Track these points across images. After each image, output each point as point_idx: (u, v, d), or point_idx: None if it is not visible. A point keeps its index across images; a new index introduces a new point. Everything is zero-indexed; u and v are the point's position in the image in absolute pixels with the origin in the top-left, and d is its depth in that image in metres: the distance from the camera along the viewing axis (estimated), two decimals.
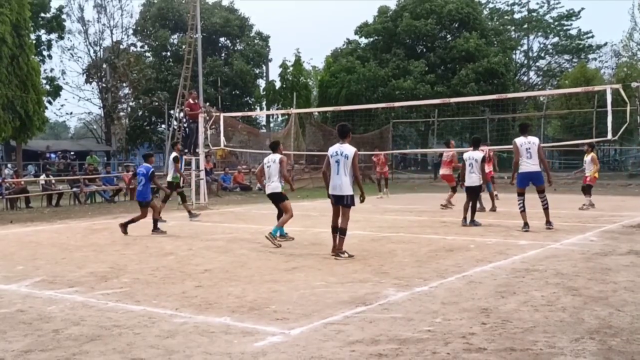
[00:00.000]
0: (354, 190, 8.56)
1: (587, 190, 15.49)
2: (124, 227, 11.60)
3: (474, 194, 12.30)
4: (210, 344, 4.76)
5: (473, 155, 12.24)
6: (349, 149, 8.50)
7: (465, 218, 12.08)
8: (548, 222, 11.14)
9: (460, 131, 37.61)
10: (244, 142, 32.21)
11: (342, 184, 8.46)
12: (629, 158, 36.48)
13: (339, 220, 8.54)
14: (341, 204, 8.53)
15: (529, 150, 10.94)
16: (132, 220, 11.73)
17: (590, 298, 5.99)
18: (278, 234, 9.94)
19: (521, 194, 11.15)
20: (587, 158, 15.78)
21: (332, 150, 8.67)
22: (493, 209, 14.87)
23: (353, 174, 8.50)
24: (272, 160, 10.28)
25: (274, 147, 10.62)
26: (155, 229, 11.89)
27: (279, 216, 10.35)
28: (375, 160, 21.82)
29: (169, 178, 14.63)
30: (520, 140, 11.09)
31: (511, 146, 11.66)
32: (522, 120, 39.02)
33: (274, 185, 10.18)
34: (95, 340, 4.90)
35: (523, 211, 11.09)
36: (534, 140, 11.13)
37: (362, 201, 8.83)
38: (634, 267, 7.55)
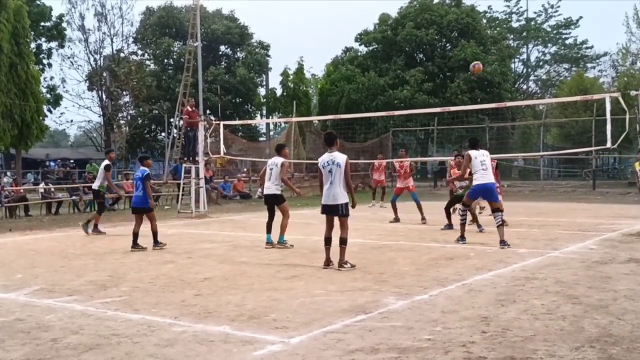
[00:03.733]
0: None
1: None
2: (135, 246, 10.59)
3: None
4: (209, 353, 4.74)
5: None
6: (340, 157, 8.34)
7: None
8: (502, 242, 10.04)
9: (458, 140, 37.63)
10: (243, 150, 32.22)
11: (337, 193, 8.23)
12: (628, 166, 36.44)
13: (340, 231, 8.29)
14: (336, 214, 8.32)
15: (483, 162, 10.37)
16: (135, 235, 10.66)
17: (590, 306, 5.98)
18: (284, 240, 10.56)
19: (468, 205, 11.10)
20: None
21: (322, 160, 8.44)
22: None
23: (345, 182, 8.30)
24: (274, 164, 10.62)
25: (279, 150, 10.99)
26: (156, 242, 10.74)
27: (270, 224, 10.71)
28: (377, 165, 20.76)
29: (95, 186, 13.86)
30: (474, 153, 10.50)
31: (508, 155, 11.62)
32: (522, 129, 39.18)
33: (274, 187, 10.54)
34: (94, 349, 4.89)
35: (464, 223, 11.01)
36: (486, 153, 10.73)
37: (353, 207, 8.69)
38: (634, 276, 7.55)
